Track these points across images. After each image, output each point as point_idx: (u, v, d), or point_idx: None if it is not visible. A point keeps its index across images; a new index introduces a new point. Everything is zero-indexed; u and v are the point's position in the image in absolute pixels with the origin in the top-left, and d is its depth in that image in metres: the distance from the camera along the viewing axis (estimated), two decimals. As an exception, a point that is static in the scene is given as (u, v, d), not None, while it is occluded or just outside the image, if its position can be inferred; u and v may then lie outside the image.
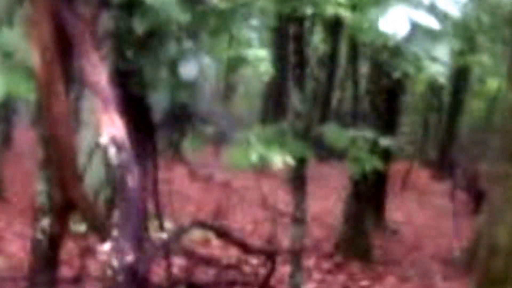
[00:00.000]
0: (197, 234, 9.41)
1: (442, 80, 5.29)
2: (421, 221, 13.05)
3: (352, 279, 8.31)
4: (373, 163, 5.76)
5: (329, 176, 14.55)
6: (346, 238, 9.00)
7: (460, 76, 16.63)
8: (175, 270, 7.08)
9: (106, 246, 3.14)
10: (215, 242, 8.62)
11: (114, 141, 3.29)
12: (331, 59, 17.31)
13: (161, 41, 3.93)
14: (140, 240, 3.30)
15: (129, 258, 3.08)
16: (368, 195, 9.21)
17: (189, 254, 6.98)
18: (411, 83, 14.69)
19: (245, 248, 6.59)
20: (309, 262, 8.74)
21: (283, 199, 10.30)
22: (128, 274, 3.08)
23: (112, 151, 3.29)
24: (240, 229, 9.56)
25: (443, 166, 17.19)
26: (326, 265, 8.67)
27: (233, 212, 10.69)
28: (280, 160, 4.51)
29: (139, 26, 3.74)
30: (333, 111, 17.80)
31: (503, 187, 6.24)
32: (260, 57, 4.27)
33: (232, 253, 7.71)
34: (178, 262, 7.30)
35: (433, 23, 3.44)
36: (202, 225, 6.64)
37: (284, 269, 6.92)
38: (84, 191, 3.78)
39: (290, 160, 4.65)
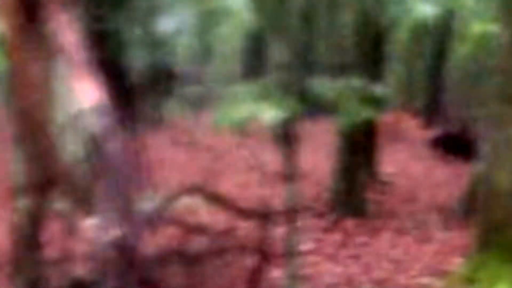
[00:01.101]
0: (182, 202, 9.15)
1: (431, 21, 4.98)
2: (414, 171, 12.84)
3: (349, 235, 8.10)
4: (364, 113, 5.45)
5: (318, 132, 14.25)
6: (339, 194, 8.74)
7: (444, 21, 16.27)
8: (166, 240, 6.85)
9: (91, 222, 2.83)
10: (202, 210, 8.37)
11: (94, 106, 2.96)
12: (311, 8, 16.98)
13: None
14: (127, 211, 2.99)
15: (116, 232, 2.78)
16: (358, 148, 8.90)
17: (179, 223, 6.71)
18: (394, 32, 14.32)
19: (237, 212, 6.30)
20: (304, 221, 8.50)
21: (271, 159, 10.01)
22: (117, 249, 2.79)
23: (93, 117, 2.95)
24: (227, 193, 9.26)
25: (431, 114, 16.94)
26: (321, 223, 8.43)
27: (220, 176, 10.40)
28: (269, 115, 4.19)
29: None
30: (318, 63, 17.41)
31: (504, 130, 5.99)
32: (238, 7, 3.93)
33: (221, 220, 7.45)
34: (170, 232, 7.07)
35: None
36: (191, 191, 6.31)
37: (279, 231, 6.69)
38: (64, 165, 3.45)
39: (280, 115, 4.33)
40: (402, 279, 6.77)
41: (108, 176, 2.92)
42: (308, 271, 6.75)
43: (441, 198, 10.11)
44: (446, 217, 8.83)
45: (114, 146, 2.95)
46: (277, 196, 7.19)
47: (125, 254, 2.85)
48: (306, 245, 7.53)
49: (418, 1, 4.28)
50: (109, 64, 3.85)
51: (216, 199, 6.28)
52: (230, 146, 11.53)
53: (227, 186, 10.04)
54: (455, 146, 13.96)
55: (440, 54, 17.33)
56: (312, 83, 5.62)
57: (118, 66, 3.82)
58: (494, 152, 6.10)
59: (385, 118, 16.97)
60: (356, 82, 5.67)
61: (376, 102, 11.15)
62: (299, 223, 8.29)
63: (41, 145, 3.38)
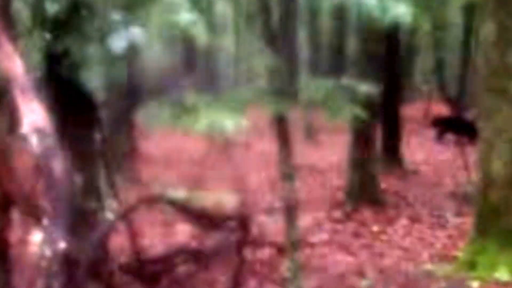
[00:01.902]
0: (209, 199, 9.48)
1: (408, 20, 5.20)
2: (442, 158, 12.97)
3: (363, 225, 8.34)
4: (354, 112, 5.72)
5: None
6: (355, 185, 9.00)
7: (472, 9, 16.31)
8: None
9: (37, 236, 3.17)
10: (229, 206, 8.69)
11: (35, 129, 3.27)
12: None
13: (86, 17, 3.89)
14: (73, 226, 3.28)
15: (61, 245, 3.09)
16: (373, 139, 9.14)
17: (196, 218, 7.00)
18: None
19: (210, 218, 6.48)
20: (320, 213, 8.81)
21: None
22: (62, 262, 3.10)
23: (34, 139, 3.26)
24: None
25: (462, 101, 16.98)
26: (337, 214, 8.71)
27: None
28: (232, 124, 4.46)
29: (51, 7, 3.70)
30: (310, 64, 17.94)
31: (492, 121, 6.19)
32: (192, 21, 4.21)
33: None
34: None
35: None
36: (150, 201, 6.42)
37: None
38: (21, 183, 3.77)
39: (244, 123, 4.60)
40: (409, 266, 7.01)
41: (53, 193, 3.20)
42: (317, 262, 7.04)
43: (460, 183, 10.27)
44: (461, 203, 9.00)
45: (57, 164, 3.23)
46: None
47: (71, 267, 3.12)
48: (318, 236, 7.85)
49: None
50: (64, 84, 4.17)
51: (180, 208, 6.40)
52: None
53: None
54: (455, 126, 14.22)
55: (468, 41, 17.34)
56: (302, 83, 5.91)
57: (74, 86, 4.13)
58: (485, 141, 6.30)
59: (416, 107, 17.16)
60: (345, 81, 5.92)
61: (394, 95, 11.43)
62: (314, 215, 8.65)
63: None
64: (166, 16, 3.94)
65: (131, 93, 11.05)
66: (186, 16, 3.99)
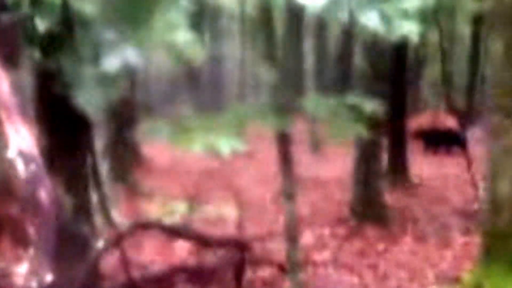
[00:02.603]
0: (212, 212, 9.35)
1: (415, 37, 5.04)
2: (449, 172, 12.77)
3: (368, 243, 8.16)
4: (356, 130, 5.57)
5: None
6: (360, 201, 8.83)
7: (480, 20, 16.17)
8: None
9: (23, 268, 3.05)
10: (231, 219, 8.54)
11: (21, 153, 3.15)
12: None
13: (79, 35, 3.77)
14: (63, 252, 3.16)
15: (48, 278, 2.97)
16: (374, 156, 8.97)
17: (196, 237, 6.86)
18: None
19: (206, 242, 6.36)
20: (325, 229, 8.64)
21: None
22: None
23: (19, 164, 3.15)
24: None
25: (471, 114, 16.80)
26: (341, 231, 8.53)
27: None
28: (228, 148, 4.31)
29: (42, 25, 3.58)
30: (316, 74, 17.88)
31: (500, 141, 6.02)
32: (188, 41, 4.08)
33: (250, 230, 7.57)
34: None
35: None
36: (145, 226, 6.35)
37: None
38: (10, 210, 3.64)
39: (240, 146, 4.45)
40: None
41: (39, 222, 3.10)
42: (321, 283, 6.87)
43: (470, 200, 10.07)
44: (469, 220, 8.81)
45: (44, 191, 3.12)
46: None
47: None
48: (322, 255, 7.67)
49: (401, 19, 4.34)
50: (57, 103, 4.04)
51: (176, 233, 6.29)
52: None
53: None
54: (438, 138, 14.14)
55: (476, 52, 17.18)
56: (305, 100, 5.75)
57: (67, 105, 3.99)
58: (493, 161, 6.12)
59: (423, 120, 16.96)
60: (350, 99, 5.76)
61: (399, 110, 11.26)
62: (319, 231, 8.48)
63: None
64: (162, 36, 3.80)
65: (128, 110, 11.06)
66: (183, 36, 3.85)
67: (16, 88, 3.57)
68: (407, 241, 8.23)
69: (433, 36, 15.40)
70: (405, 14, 4.94)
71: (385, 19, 4.73)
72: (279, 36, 13.42)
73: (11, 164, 3.19)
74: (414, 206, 9.84)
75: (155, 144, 11.62)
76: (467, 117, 16.69)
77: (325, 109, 5.64)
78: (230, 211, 8.74)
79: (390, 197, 9.67)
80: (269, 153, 9.64)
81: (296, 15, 17.41)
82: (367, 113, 5.69)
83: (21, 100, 3.39)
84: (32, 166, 3.15)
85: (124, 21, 3.78)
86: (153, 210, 9.47)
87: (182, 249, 7.39)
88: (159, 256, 7.41)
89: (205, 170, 12.03)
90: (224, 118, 4.70)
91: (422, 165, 12.73)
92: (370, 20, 3.67)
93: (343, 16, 3.50)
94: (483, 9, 13.66)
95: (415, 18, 5.01)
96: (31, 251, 3.08)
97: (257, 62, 21.97)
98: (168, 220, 7.80)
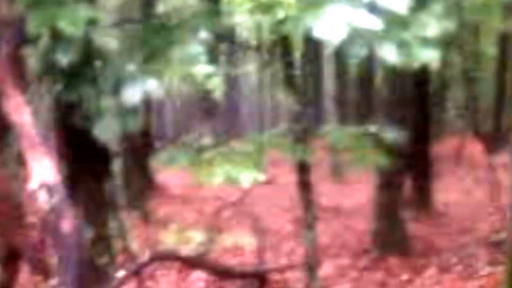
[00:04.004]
0: (229, 241, 9.21)
1: (437, 63, 4.91)
2: (476, 199, 12.48)
3: (390, 274, 7.96)
4: (377, 158, 5.44)
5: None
6: (381, 232, 8.63)
7: (506, 39, 15.94)
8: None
9: None
10: (249, 248, 8.40)
11: (44, 185, 3.11)
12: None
13: (100, 67, 3.73)
14: (83, 282, 3.10)
15: None
16: (401, 182, 8.78)
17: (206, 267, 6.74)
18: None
19: (224, 272, 6.26)
20: (345, 260, 8.45)
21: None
22: None
23: (42, 196, 3.11)
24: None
25: (497, 138, 16.49)
26: (362, 262, 8.33)
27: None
28: (249, 177, 4.23)
29: (63, 59, 3.53)
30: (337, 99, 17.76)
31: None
32: (208, 73, 4.01)
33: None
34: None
35: (374, 23, 3.11)
36: (164, 257, 6.30)
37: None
38: (29, 238, 3.62)
39: (260, 177, 4.37)
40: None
41: (62, 253, 3.05)
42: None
43: (498, 229, 9.81)
44: (495, 251, 8.56)
45: (66, 222, 3.08)
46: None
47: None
48: (342, 286, 7.49)
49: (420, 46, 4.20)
50: (77, 134, 4.02)
51: (194, 263, 6.22)
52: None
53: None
54: None
55: (502, 75, 16.91)
56: (326, 130, 5.64)
57: (87, 136, 3.95)
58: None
59: (448, 144, 16.70)
60: (371, 127, 5.65)
61: (423, 135, 11.07)
62: (339, 262, 8.29)
63: (5, 219, 3.56)
64: (182, 69, 3.74)
65: (144, 139, 11.02)
66: (203, 69, 3.79)
67: (38, 119, 3.56)
68: (431, 272, 8.00)
69: (457, 57, 15.23)
70: (425, 41, 4.79)
71: (404, 49, 4.60)
72: (298, 61, 13.31)
73: (32, 195, 3.15)
74: (438, 235, 9.60)
75: (169, 169, 11.58)
76: (493, 140, 16.39)
77: (345, 139, 5.54)
78: (248, 240, 8.60)
79: (414, 226, 9.45)
80: (289, 178, 9.62)
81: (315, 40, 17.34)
82: (388, 141, 5.57)
83: (43, 131, 3.37)
84: (55, 197, 3.11)
85: (144, 53, 3.77)
86: (168, 238, 9.34)
87: (199, 279, 7.25)
88: (177, 287, 7.28)
89: (222, 197, 11.89)
90: (243, 148, 4.61)
91: (448, 191, 12.47)
92: (388, 52, 3.51)
93: (362, 52, 3.38)
94: (510, 29, 13.48)
95: (435, 44, 4.87)
96: (51, 281, 3.03)
97: (275, 88, 21.95)
98: (184, 249, 7.67)
